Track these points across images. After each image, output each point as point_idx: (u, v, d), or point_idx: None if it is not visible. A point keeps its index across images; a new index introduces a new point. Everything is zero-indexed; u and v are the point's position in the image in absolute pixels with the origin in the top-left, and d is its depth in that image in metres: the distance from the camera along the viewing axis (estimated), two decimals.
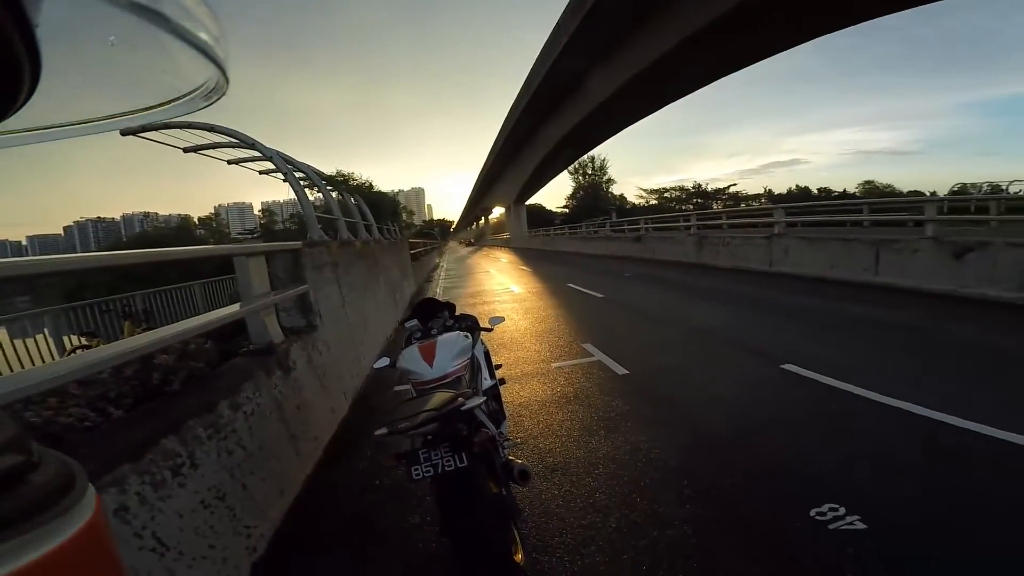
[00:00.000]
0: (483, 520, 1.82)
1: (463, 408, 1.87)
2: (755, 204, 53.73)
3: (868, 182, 67.75)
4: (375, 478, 3.10)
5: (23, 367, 5.01)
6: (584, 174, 66.37)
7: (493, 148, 47.09)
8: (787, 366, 4.46)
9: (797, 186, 72.11)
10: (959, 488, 2.48)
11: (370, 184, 21.74)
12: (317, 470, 3.13)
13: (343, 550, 2.42)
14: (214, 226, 59.41)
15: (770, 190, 69.99)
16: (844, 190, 67.21)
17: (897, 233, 9.26)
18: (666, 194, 63.83)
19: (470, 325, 2.82)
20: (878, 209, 11.72)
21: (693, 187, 62.66)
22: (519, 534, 2.22)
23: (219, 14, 0.34)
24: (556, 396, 4.27)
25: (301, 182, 5.62)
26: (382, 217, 13.86)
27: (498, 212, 78.51)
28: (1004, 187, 21.69)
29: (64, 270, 1.69)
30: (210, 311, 2.75)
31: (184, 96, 0.41)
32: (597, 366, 5.07)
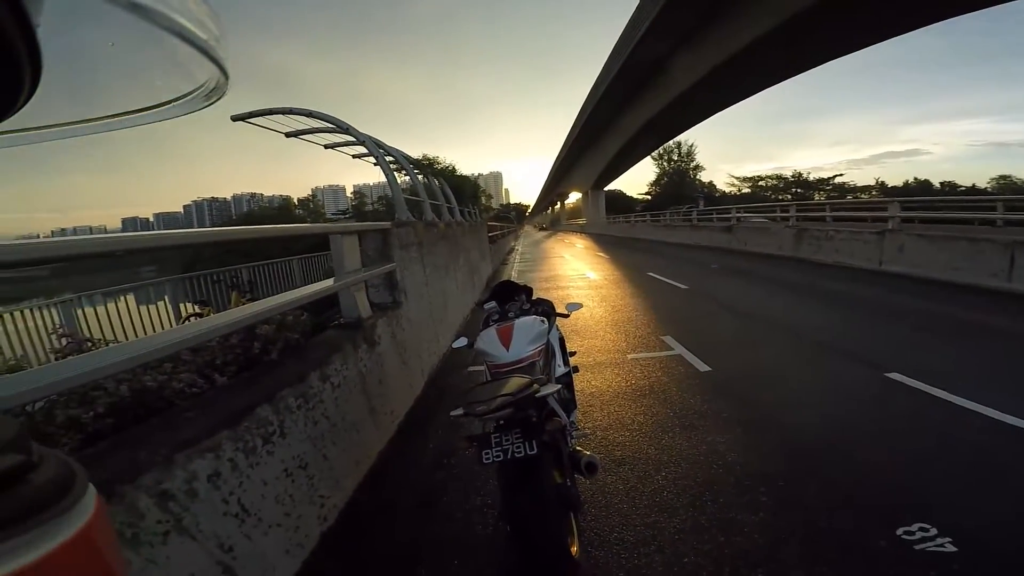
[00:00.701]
0: (544, 509, 1.82)
1: (538, 395, 1.88)
2: (864, 196, 48.58)
3: (1004, 177, 58.70)
4: (444, 456, 3.20)
5: (145, 333, 5.70)
6: (669, 160, 63.77)
7: (571, 133, 46.35)
8: (893, 375, 4.02)
9: (915, 179, 64.33)
10: None
11: (453, 168, 22.33)
12: (391, 444, 3.29)
13: (407, 525, 2.51)
14: (311, 207, 63.91)
15: (882, 182, 62.92)
16: (973, 184, 58.88)
17: None
18: (761, 182, 59.61)
19: (546, 310, 2.81)
20: (1016, 207, 10.07)
21: (792, 176, 57.88)
22: (577, 526, 2.20)
23: (219, 14, 0.33)
24: (630, 388, 4.16)
25: (391, 165, 5.85)
26: (463, 200, 14.17)
27: (575, 197, 77.47)
28: None
29: (183, 244, 1.88)
30: (306, 285, 2.95)
31: (184, 96, 0.40)
32: (677, 360, 4.86)
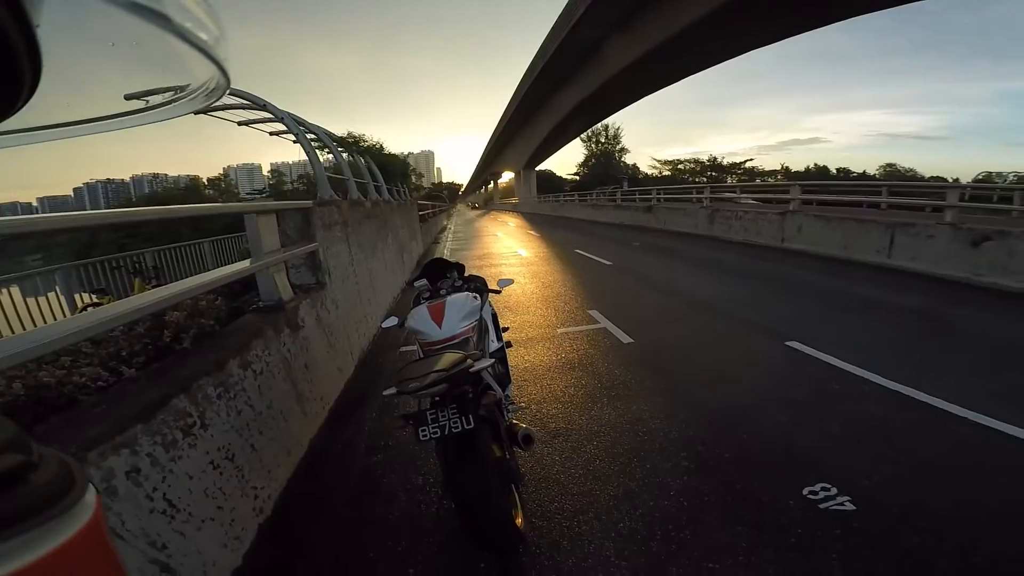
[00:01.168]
0: (487, 483, 1.85)
1: (472, 369, 1.89)
2: (770, 180, 52.66)
3: (889, 165, 66.64)
4: (380, 439, 3.16)
5: (35, 325, 5.07)
6: (597, 142, 65.30)
7: (505, 113, 46.08)
8: (792, 343, 4.45)
9: (816, 164, 70.96)
10: (953, 476, 2.48)
11: (381, 146, 21.47)
12: (323, 430, 3.20)
13: (348, 510, 2.47)
14: (223, 186, 59.00)
15: (787, 167, 68.95)
16: (864, 171, 66.27)
17: (914, 217, 9.04)
18: (680, 166, 62.81)
19: (479, 287, 2.83)
20: (897, 192, 11.39)
21: (708, 160, 61.57)
22: (520, 498, 2.27)
23: (219, 14, 0.34)
24: (560, 362, 4.31)
25: (312, 143, 5.56)
26: (392, 179, 13.74)
27: (507, 177, 77.65)
28: None
29: (75, 226, 1.70)
30: (220, 267, 2.75)
31: (185, 96, 0.41)
32: (602, 333, 5.09)
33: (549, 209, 38.37)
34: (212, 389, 2.04)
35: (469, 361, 1.89)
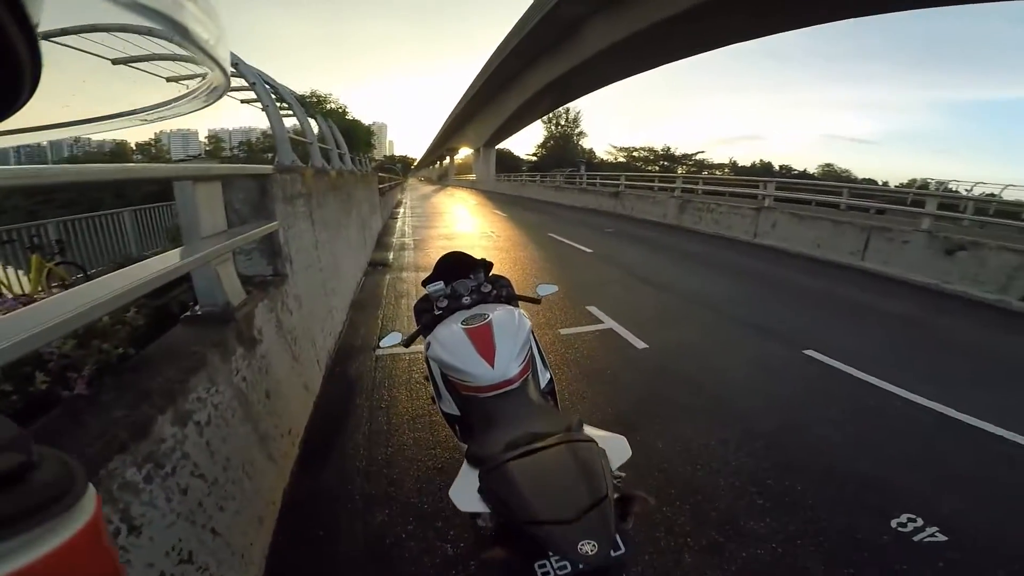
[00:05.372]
0: None
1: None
2: (718, 173, 53.97)
3: (827, 165, 70.96)
4: (378, 483, 2.41)
5: None
6: (557, 124, 64.71)
7: (471, 88, 44.36)
8: (809, 352, 4.16)
9: (761, 161, 73.73)
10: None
11: (345, 110, 19.82)
12: (297, 475, 2.41)
13: None
14: (153, 152, 53.57)
15: (735, 161, 71.31)
16: (804, 170, 69.86)
17: (892, 222, 9.08)
18: (635, 153, 63.38)
19: (511, 294, 2.15)
20: (858, 194, 11.69)
21: (662, 150, 62.37)
22: None
23: (219, 14, 0.35)
24: (574, 371, 3.75)
25: (276, 103, 4.56)
26: (355, 147, 12.47)
27: (464, 153, 75.89)
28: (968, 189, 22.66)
29: None
30: (134, 262, 1.71)
31: (185, 96, 0.35)
32: (611, 336, 4.53)
33: (508, 188, 37.47)
34: (134, 471, 1.22)
35: (579, 438, 1.21)
